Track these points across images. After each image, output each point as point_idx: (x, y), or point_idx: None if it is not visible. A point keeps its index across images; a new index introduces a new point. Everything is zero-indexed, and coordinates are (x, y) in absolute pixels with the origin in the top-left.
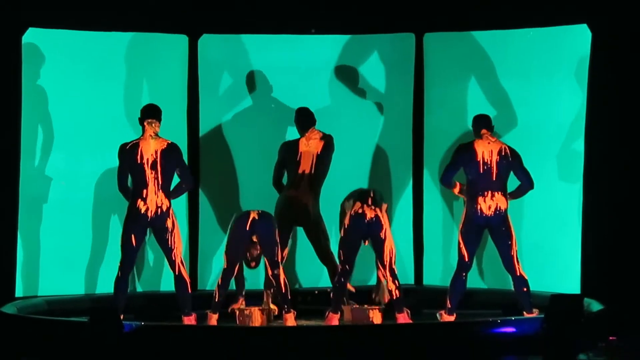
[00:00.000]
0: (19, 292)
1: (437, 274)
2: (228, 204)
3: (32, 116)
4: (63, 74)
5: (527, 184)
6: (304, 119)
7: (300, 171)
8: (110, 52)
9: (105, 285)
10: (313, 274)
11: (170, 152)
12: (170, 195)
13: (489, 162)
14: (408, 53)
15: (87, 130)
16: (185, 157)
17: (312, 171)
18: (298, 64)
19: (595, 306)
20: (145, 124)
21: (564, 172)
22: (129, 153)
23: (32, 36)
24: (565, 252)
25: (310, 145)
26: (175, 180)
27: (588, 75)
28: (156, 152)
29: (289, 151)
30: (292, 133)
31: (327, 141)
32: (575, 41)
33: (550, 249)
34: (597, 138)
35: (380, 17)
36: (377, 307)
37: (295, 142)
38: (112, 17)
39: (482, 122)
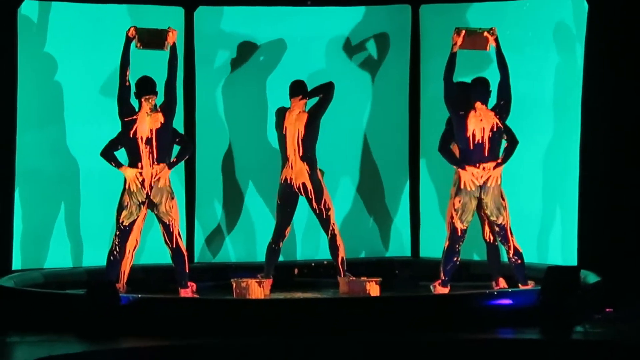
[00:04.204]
0: (16, 264)
1: (435, 246)
2: (225, 176)
3: (28, 88)
4: (59, 46)
5: (512, 143)
6: (290, 89)
7: (288, 148)
8: (105, 24)
9: (104, 257)
10: (311, 245)
11: (164, 130)
12: (170, 165)
13: (480, 139)
14: (404, 24)
15: (83, 102)
16: (181, 129)
17: (300, 149)
18: (294, 36)
19: (592, 278)
20: (142, 100)
21: (561, 143)
22: (125, 127)
23: (28, 8)
24: (561, 223)
25: (295, 119)
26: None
27: (585, 46)
28: (151, 131)
29: (277, 119)
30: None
31: (310, 115)
32: (571, 12)
33: (546, 220)
34: (594, 109)
35: None
36: (374, 279)
37: (284, 112)
38: None
39: (477, 92)
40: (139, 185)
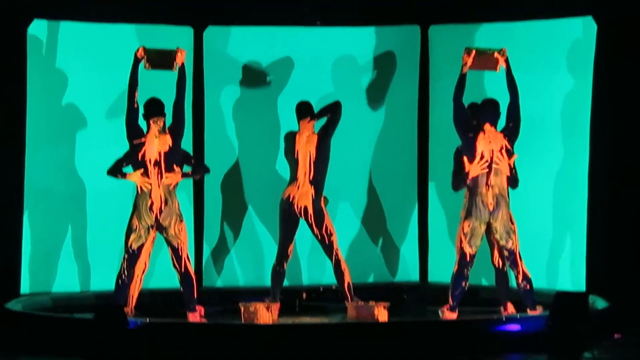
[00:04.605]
0: (24, 288)
1: (443, 271)
2: (234, 199)
3: (38, 108)
4: (68, 65)
5: (511, 183)
6: (297, 111)
7: (299, 170)
8: (115, 44)
9: (112, 281)
10: (317, 270)
11: (173, 152)
12: (183, 175)
13: (489, 160)
14: (413, 45)
15: (92, 122)
16: (190, 150)
17: (311, 170)
18: (303, 56)
19: (600, 303)
20: (150, 122)
21: (570, 166)
22: (133, 150)
23: (37, 28)
24: (570, 248)
25: (306, 141)
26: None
27: (593, 68)
28: (160, 153)
29: (288, 144)
30: (297, 126)
31: (320, 137)
32: (581, 33)
33: (556, 245)
34: (602, 132)
35: (385, 9)
36: (382, 303)
37: (293, 136)
38: (116, 8)
39: (486, 115)
40: (148, 208)
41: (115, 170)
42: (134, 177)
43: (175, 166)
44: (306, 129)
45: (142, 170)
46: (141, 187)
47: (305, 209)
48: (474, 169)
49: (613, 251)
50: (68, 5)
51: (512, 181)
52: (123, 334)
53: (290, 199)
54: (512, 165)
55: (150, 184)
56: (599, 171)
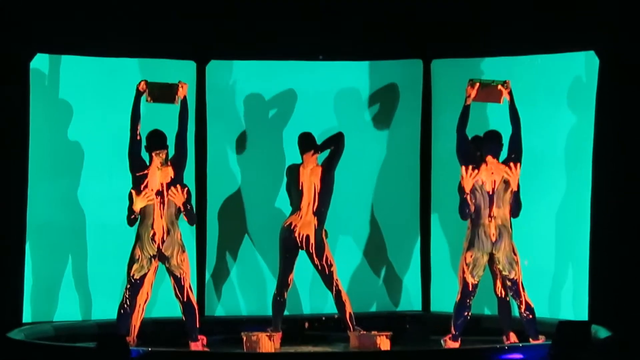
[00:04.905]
0: (26, 317)
1: (445, 300)
2: (236, 230)
3: (40, 141)
4: (71, 99)
5: (514, 210)
6: (299, 143)
7: (303, 201)
8: (118, 78)
9: (115, 310)
10: (319, 299)
11: (172, 181)
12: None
13: (490, 191)
14: (416, 79)
15: (95, 156)
16: (192, 182)
17: (315, 202)
18: (306, 89)
19: (603, 333)
20: (153, 154)
21: (572, 198)
22: (136, 182)
23: (40, 62)
24: (572, 278)
25: (310, 174)
26: None
27: (595, 102)
28: (162, 185)
29: (291, 177)
30: (299, 159)
31: (324, 169)
32: (583, 68)
33: (558, 275)
34: (604, 165)
35: (387, 44)
36: (385, 333)
37: (297, 168)
38: (119, 43)
39: (489, 147)
40: (150, 238)
41: (130, 213)
42: (139, 202)
43: (168, 217)
44: (310, 161)
45: (144, 194)
46: (142, 217)
47: (307, 238)
48: (466, 181)
49: (615, 281)
50: (71, 40)
51: (515, 209)
52: None
53: (292, 227)
54: (514, 192)
55: (154, 204)
56: (600, 203)
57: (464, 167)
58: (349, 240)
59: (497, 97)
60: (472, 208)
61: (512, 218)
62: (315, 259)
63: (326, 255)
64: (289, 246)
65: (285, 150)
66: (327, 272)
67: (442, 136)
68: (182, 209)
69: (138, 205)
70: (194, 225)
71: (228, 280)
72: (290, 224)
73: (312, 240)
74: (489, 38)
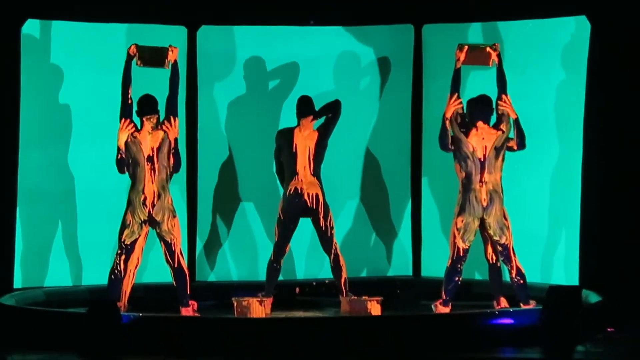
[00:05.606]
0: (17, 283)
1: (436, 265)
2: (227, 195)
3: (31, 107)
4: (62, 65)
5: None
6: (299, 107)
7: (299, 164)
8: (108, 43)
9: (105, 276)
10: (313, 265)
11: (163, 146)
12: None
13: (482, 158)
14: (407, 44)
15: (86, 121)
16: (183, 147)
17: (312, 164)
18: (296, 55)
19: (594, 298)
20: (144, 119)
21: (564, 164)
22: (128, 146)
23: (31, 27)
24: (564, 244)
25: (305, 137)
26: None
27: (587, 67)
28: (152, 149)
29: (284, 140)
30: (290, 123)
31: (320, 134)
32: (574, 32)
33: (550, 240)
34: (596, 129)
35: (378, 9)
36: (376, 298)
37: (290, 132)
38: (110, 8)
39: (478, 111)
40: (141, 204)
41: (117, 153)
42: (122, 135)
43: (159, 183)
44: (307, 126)
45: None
46: (133, 181)
47: (316, 196)
48: (448, 107)
49: (606, 246)
50: (62, 6)
51: (520, 140)
52: (116, 328)
53: (299, 190)
54: (515, 120)
55: (139, 134)
56: (592, 168)
57: (449, 95)
58: (339, 205)
59: (486, 60)
60: (463, 174)
61: (518, 150)
62: (321, 219)
63: (330, 216)
64: (295, 212)
65: (276, 115)
66: (328, 234)
67: (433, 101)
68: (172, 145)
69: (122, 138)
70: (185, 189)
71: (219, 246)
72: (295, 188)
73: (321, 198)
74: (480, 3)
